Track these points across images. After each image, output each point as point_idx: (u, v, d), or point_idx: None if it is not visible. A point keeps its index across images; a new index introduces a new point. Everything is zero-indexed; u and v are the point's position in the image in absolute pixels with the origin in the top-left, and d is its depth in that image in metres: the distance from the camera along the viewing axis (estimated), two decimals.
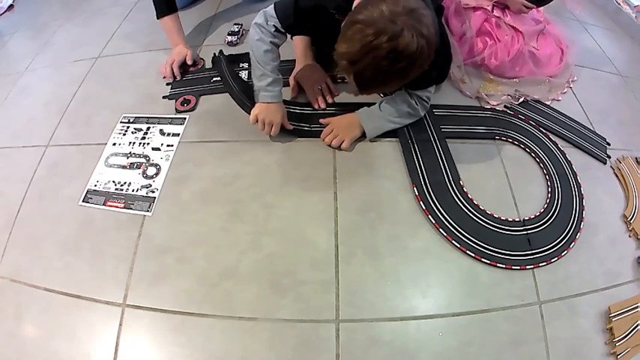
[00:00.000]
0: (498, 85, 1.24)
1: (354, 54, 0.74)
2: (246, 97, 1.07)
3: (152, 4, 1.27)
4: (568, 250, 0.93)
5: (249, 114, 1.01)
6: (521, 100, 1.21)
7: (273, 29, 0.95)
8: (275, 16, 0.93)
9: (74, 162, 1.07)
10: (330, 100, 1.14)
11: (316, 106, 1.12)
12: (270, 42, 0.97)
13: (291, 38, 1.17)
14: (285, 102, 1.13)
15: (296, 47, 1.16)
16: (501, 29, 1.26)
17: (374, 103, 1.08)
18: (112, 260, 0.89)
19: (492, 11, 1.28)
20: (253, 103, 1.02)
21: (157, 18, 1.27)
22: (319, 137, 1.05)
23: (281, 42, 1.00)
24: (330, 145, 1.03)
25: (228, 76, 1.05)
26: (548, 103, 1.24)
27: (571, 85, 1.31)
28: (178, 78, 1.24)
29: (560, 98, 1.27)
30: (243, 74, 1.24)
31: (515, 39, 1.24)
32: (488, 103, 1.20)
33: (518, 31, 1.26)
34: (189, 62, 1.26)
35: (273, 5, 0.94)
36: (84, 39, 1.47)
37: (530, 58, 1.25)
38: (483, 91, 1.21)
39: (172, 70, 1.22)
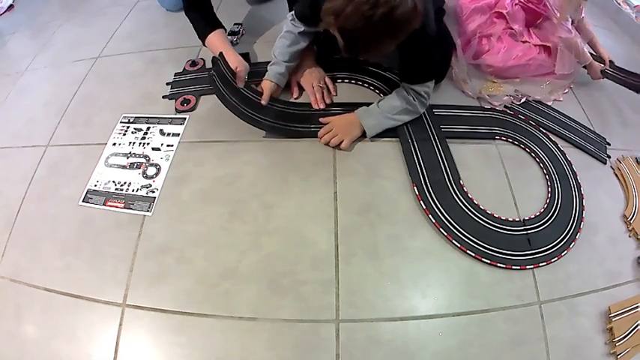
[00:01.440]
0: (500, 86, 1.24)
1: (337, 6, 0.77)
2: (235, 99, 1.06)
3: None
4: (568, 250, 0.93)
5: (238, 117, 1.04)
6: (522, 100, 1.21)
7: (291, 20, 1.08)
8: (294, 14, 1.07)
9: (74, 162, 1.07)
10: (328, 101, 1.14)
11: (316, 107, 1.12)
12: (288, 31, 1.09)
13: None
14: (285, 103, 1.14)
15: None
16: (513, 41, 1.25)
17: (372, 103, 1.08)
18: (112, 260, 0.89)
19: (521, 35, 1.26)
20: (243, 104, 1.05)
21: (202, 41, 1.18)
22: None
23: (301, 29, 1.07)
24: (328, 144, 1.03)
25: (217, 80, 1.05)
26: (549, 103, 1.24)
27: (571, 86, 1.31)
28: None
29: (561, 99, 1.27)
30: None
31: (534, 49, 1.24)
32: (490, 103, 1.20)
33: (547, 47, 1.25)
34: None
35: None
36: (84, 39, 1.47)
37: (539, 70, 1.25)
38: (485, 91, 1.21)
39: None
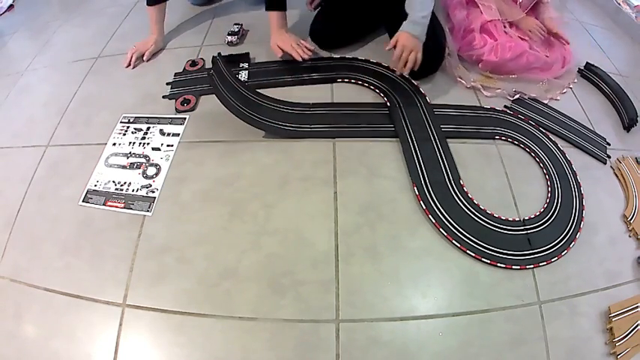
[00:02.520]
0: (495, 81, 1.25)
1: None
2: (235, 100, 1.06)
3: None
4: (568, 250, 0.93)
5: (238, 117, 1.05)
6: (516, 96, 1.22)
7: None
8: None
9: (74, 162, 1.07)
10: (309, 54, 1.22)
11: (299, 59, 1.20)
12: None
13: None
14: (284, 103, 1.14)
15: (272, 21, 1.25)
16: (506, 35, 1.26)
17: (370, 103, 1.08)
18: (112, 260, 0.89)
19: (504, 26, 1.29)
20: (242, 104, 1.06)
21: (147, 4, 1.33)
22: (319, 137, 1.06)
23: None
24: (403, 72, 1.11)
25: (217, 80, 1.06)
26: (545, 101, 1.24)
27: (571, 86, 1.31)
28: (131, 67, 1.32)
29: (558, 98, 1.27)
30: (243, 74, 1.24)
31: (522, 44, 1.25)
32: (483, 94, 1.21)
33: (526, 40, 1.28)
34: (145, 58, 1.33)
35: None
36: (84, 39, 1.47)
37: (535, 62, 1.26)
38: (479, 82, 1.22)
39: (131, 58, 1.32)
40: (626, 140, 1.23)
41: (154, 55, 1.35)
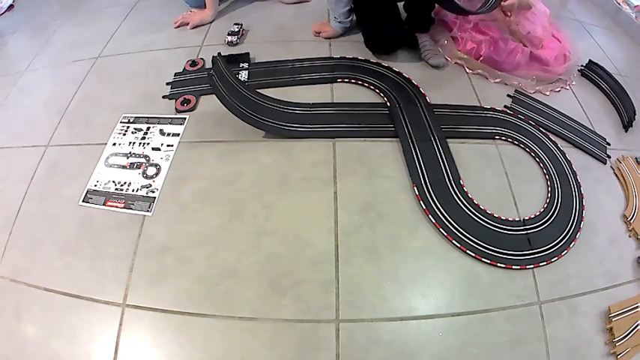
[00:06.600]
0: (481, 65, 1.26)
1: None
2: (235, 100, 1.06)
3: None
4: (568, 250, 0.93)
5: (238, 117, 1.05)
6: (497, 80, 1.25)
7: None
8: None
9: (74, 162, 1.07)
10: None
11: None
12: None
13: None
14: (284, 103, 1.14)
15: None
16: (499, 32, 1.27)
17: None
18: (112, 260, 0.89)
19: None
20: (242, 104, 1.07)
21: None
22: (319, 137, 1.06)
23: None
24: None
25: (217, 80, 1.06)
26: (531, 91, 1.25)
27: (566, 87, 1.31)
28: (175, 26, 1.46)
29: (547, 93, 1.27)
30: (243, 74, 1.24)
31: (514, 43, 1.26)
32: (465, 70, 1.27)
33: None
34: (188, 28, 1.44)
35: None
36: (84, 39, 1.47)
37: (534, 59, 1.26)
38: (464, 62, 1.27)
39: (184, 23, 1.45)
40: (626, 140, 1.23)
41: (156, 56, 1.34)
